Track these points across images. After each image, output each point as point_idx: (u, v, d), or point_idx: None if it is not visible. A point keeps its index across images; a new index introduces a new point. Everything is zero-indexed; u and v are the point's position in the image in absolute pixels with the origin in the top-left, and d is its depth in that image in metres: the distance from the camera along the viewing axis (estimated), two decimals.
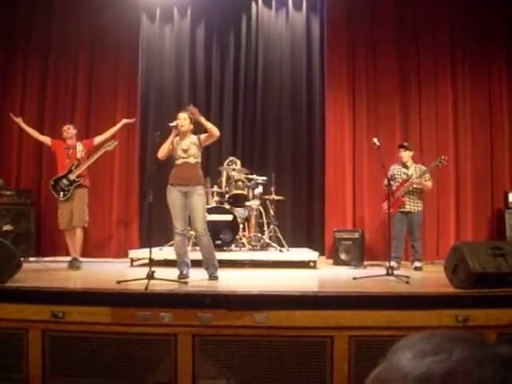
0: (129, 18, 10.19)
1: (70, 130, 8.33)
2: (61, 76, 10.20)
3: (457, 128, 9.88)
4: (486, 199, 9.74)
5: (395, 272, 6.43)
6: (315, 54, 10.77)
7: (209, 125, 6.53)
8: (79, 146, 8.24)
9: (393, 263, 7.64)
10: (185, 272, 6.38)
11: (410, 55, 9.99)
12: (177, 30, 10.87)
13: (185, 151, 6.49)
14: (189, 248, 8.61)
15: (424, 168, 8.31)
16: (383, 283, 6.13)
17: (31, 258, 8.76)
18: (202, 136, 6.62)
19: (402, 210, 8.11)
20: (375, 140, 7.16)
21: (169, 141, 6.49)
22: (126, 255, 8.85)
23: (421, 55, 9.97)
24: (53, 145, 8.36)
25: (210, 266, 6.45)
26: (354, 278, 6.40)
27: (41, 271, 7.41)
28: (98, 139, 8.38)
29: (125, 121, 8.56)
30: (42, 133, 8.89)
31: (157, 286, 5.48)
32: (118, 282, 5.67)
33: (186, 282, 5.86)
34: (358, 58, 10.09)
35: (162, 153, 6.51)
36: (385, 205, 8.04)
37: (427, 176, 8.23)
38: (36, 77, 10.23)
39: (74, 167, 8.05)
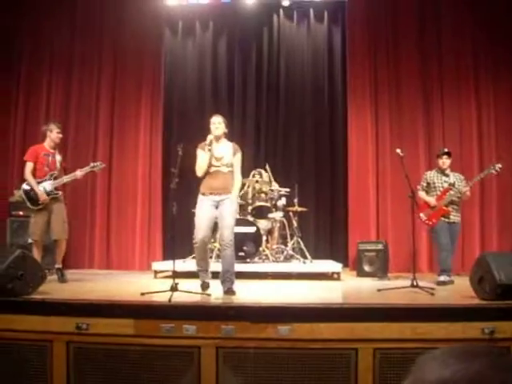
0: (151, 32, 10.29)
1: (60, 136, 7.89)
2: (84, 89, 10.30)
3: (481, 137, 9.78)
4: (511, 209, 9.62)
5: (420, 284, 6.35)
6: (337, 65, 10.79)
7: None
8: (58, 156, 7.84)
9: (443, 277, 7.38)
10: (207, 280, 6.37)
11: (433, 64, 9.92)
12: (199, 44, 10.97)
13: (218, 159, 6.31)
14: (212, 260, 8.65)
15: (462, 177, 7.94)
16: (408, 295, 6.07)
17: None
18: (236, 156, 6.43)
19: (447, 220, 7.66)
20: (398, 150, 7.08)
21: (206, 158, 6.23)
22: (149, 267, 8.88)
23: (444, 64, 9.89)
24: (34, 157, 7.62)
25: (227, 280, 6.20)
26: (379, 290, 6.34)
27: (65, 283, 7.44)
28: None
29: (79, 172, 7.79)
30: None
31: (180, 298, 5.48)
32: (142, 294, 5.69)
33: (209, 294, 5.86)
34: (380, 68, 10.04)
35: (202, 170, 6.28)
36: (424, 215, 7.75)
37: (464, 184, 7.78)
38: (60, 91, 10.35)
39: (52, 177, 7.60)
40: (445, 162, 7.89)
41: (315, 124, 10.75)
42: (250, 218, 8.80)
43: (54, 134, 7.76)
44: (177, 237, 8.58)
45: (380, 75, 10.05)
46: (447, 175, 7.88)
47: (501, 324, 4.80)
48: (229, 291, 6.12)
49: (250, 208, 9.04)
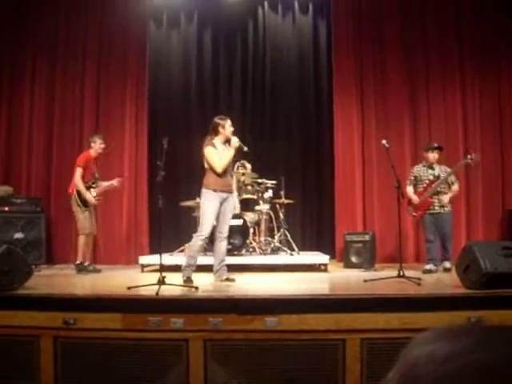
0: (136, 24, 10.22)
1: (102, 146, 8.52)
2: (68, 82, 10.22)
3: (466, 128, 9.83)
4: (496, 199, 9.69)
5: (407, 274, 6.38)
6: (322, 56, 10.78)
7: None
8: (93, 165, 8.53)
9: (429, 266, 7.72)
10: (191, 276, 6.48)
11: (418, 55, 9.96)
12: (184, 36, 10.92)
13: None
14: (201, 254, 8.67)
15: (449, 170, 8.00)
16: (394, 285, 6.09)
17: (42, 266, 8.76)
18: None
19: (432, 211, 7.86)
20: (384, 142, 7.09)
21: (230, 158, 6.62)
22: (136, 261, 8.85)
23: (428, 55, 9.93)
24: (85, 163, 8.32)
25: (224, 269, 6.72)
26: (365, 281, 6.35)
27: (52, 278, 7.42)
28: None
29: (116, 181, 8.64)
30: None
31: (168, 291, 5.48)
32: (129, 288, 5.67)
33: (196, 287, 5.85)
34: (366, 59, 10.07)
35: (224, 168, 6.62)
36: (411, 208, 8.00)
37: (453, 178, 7.98)
38: (44, 83, 10.26)
39: (93, 184, 8.35)
40: (435, 156, 8.05)
41: (301, 116, 10.75)
42: (237, 211, 8.79)
43: (97, 145, 8.42)
44: (163, 230, 8.57)
45: (365, 66, 10.07)
46: (433, 168, 8.01)
47: (487, 313, 4.84)
48: (229, 279, 6.62)
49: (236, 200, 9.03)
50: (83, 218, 8.21)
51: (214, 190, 6.52)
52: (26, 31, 10.22)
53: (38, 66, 10.31)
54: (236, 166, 9.34)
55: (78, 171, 8.20)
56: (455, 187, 8.01)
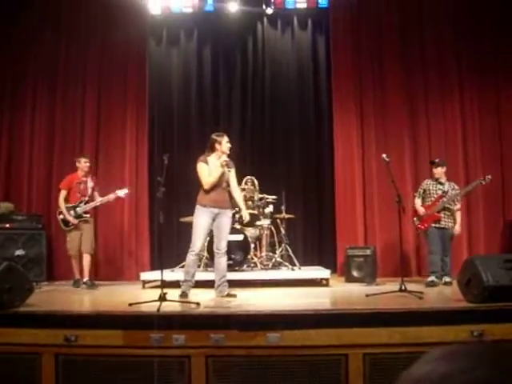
0: (136, 42, 10.26)
1: (87, 165, 8.67)
2: (69, 106, 10.25)
3: (466, 141, 9.83)
4: (497, 212, 9.68)
5: (408, 288, 6.37)
6: (322, 72, 10.83)
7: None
8: (90, 183, 8.67)
9: (432, 278, 7.76)
10: (187, 291, 6.50)
11: (417, 73, 9.97)
12: (183, 52, 10.98)
13: (221, 176, 6.67)
14: (200, 269, 8.63)
15: (457, 187, 8.20)
16: (396, 299, 6.08)
17: (43, 283, 8.75)
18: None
19: (438, 225, 7.95)
20: (384, 156, 7.09)
21: (218, 174, 6.56)
22: (137, 278, 8.83)
23: (427, 72, 9.94)
24: (68, 185, 8.58)
25: (224, 284, 6.64)
26: (367, 295, 6.35)
27: (53, 295, 7.40)
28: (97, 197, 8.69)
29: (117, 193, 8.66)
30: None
31: (169, 307, 5.46)
32: (130, 305, 5.66)
33: (198, 303, 5.84)
34: (365, 77, 10.08)
35: (212, 185, 6.59)
36: (417, 219, 8.09)
37: (458, 197, 8.14)
38: (45, 107, 10.29)
39: (83, 203, 8.48)
40: (434, 171, 8.19)
41: (301, 130, 10.78)
42: (238, 226, 8.77)
43: (81, 164, 8.65)
44: (164, 246, 8.57)
45: (365, 84, 10.09)
46: (442, 184, 8.12)
47: (489, 326, 4.82)
48: (231, 294, 6.56)
49: (237, 216, 9.00)
50: (69, 240, 8.50)
51: (204, 206, 6.55)
52: (26, 58, 10.26)
53: (39, 93, 10.35)
54: (244, 181, 9.31)
55: (61, 193, 8.56)
56: (458, 207, 8.15)
